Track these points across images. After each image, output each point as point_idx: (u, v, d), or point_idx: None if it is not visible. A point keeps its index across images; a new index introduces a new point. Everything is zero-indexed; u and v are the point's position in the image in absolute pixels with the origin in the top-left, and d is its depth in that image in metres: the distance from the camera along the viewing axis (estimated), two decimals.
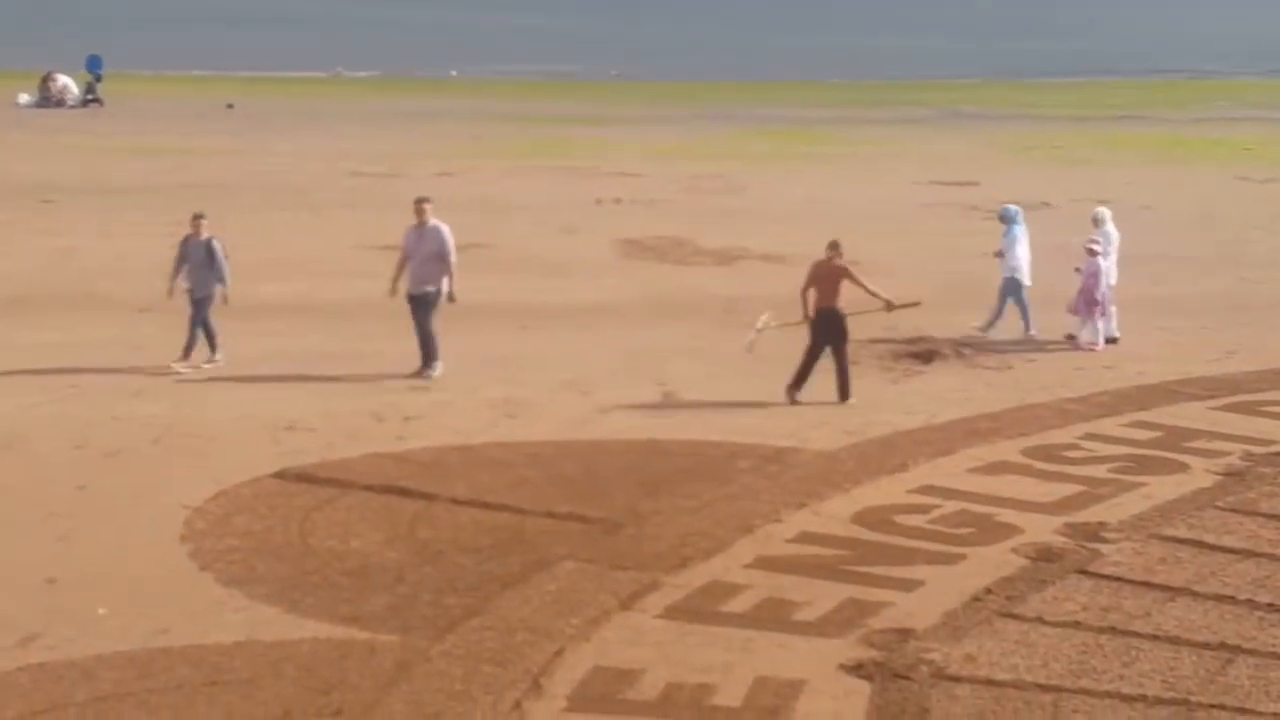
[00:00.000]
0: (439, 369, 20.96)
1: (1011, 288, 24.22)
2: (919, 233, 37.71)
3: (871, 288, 20.56)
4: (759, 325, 21.46)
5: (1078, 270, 23.93)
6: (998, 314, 24.23)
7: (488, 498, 15.60)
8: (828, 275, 20.30)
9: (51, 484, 16.14)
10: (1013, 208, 25.24)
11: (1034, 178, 51.84)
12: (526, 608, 12.64)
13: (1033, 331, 24.03)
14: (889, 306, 20.99)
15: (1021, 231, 24.60)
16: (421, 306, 21.04)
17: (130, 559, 13.90)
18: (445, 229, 21.16)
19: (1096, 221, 24.81)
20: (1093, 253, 23.72)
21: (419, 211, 21.20)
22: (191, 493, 15.62)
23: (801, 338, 20.29)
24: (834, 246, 20.42)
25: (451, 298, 21.13)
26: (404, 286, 21.32)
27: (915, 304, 22.00)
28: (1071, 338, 23.97)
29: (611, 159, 57.22)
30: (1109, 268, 24.01)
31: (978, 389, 20.81)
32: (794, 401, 20.04)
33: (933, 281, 29.89)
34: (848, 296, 20.44)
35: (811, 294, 20.43)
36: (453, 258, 21.11)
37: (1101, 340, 23.68)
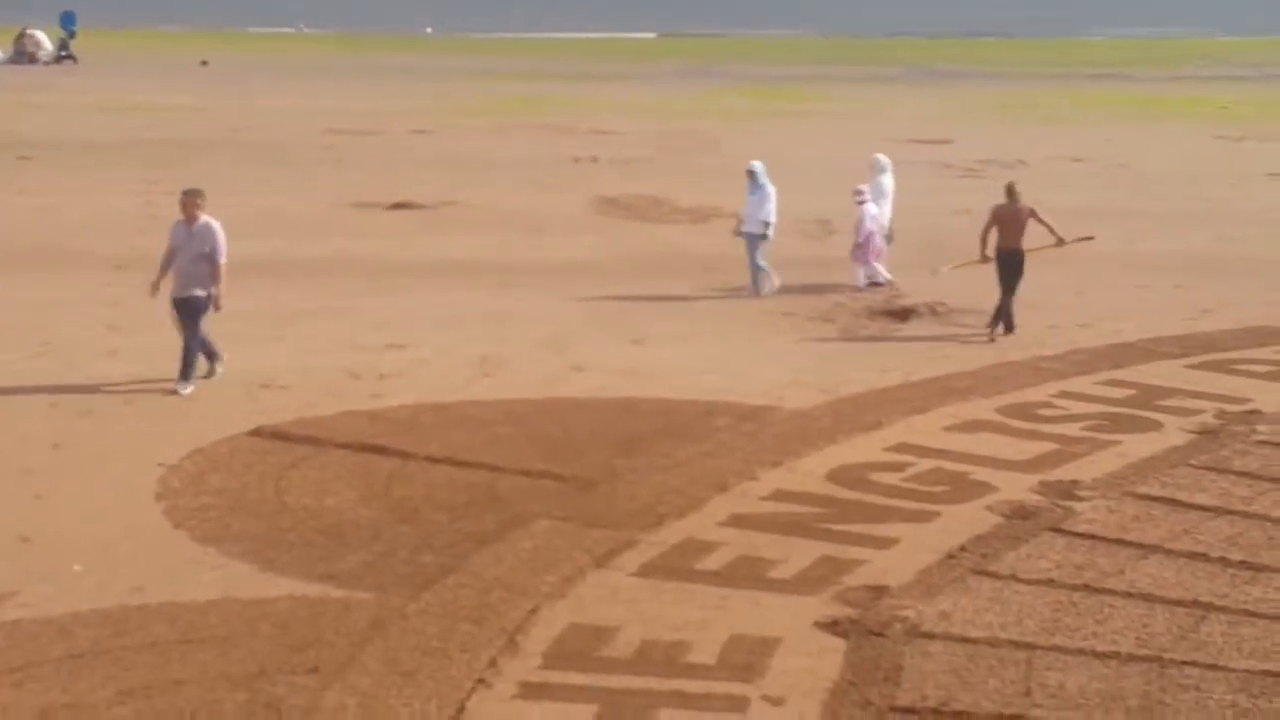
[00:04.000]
0: (191, 389, 18.09)
1: (754, 242, 24.36)
2: (896, 190, 37.65)
3: (1053, 224, 22.17)
4: (946, 269, 23.30)
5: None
6: (763, 270, 24.46)
7: (463, 456, 15.60)
8: (1014, 217, 21.82)
9: (26, 442, 16.10)
10: (759, 164, 25.05)
11: (1009, 136, 51.88)
12: (502, 565, 12.66)
13: (766, 288, 24.35)
14: (1060, 242, 22.43)
15: (770, 187, 24.57)
16: (188, 312, 18.23)
17: (105, 517, 13.88)
18: (217, 226, 18.29)
19: (874, 168, 25.95)
20: (860, 201, 24.94)
21: (188, 206, 18.29)
22: (167, 450, 15.60)
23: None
24: (1013, 191, 21.98)
25: (217, 305, 18.28)
26: (168, 288, 18.51)
27: (1090, 238, 23.39)
28: (876, 284, 24.98)
29: (588, 116, 57.12)
30: (879, 214, 25.35)
31: (953, 347, 20.85)
32: (993, 339, 21.40)
33: (909, 239, 29.93)
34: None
35: (993, 235, 21.91)
36: (222, 259, 18.19)
37: (864, 281, 24.96)
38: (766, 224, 24.28)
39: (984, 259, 22.14)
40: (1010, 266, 21.74)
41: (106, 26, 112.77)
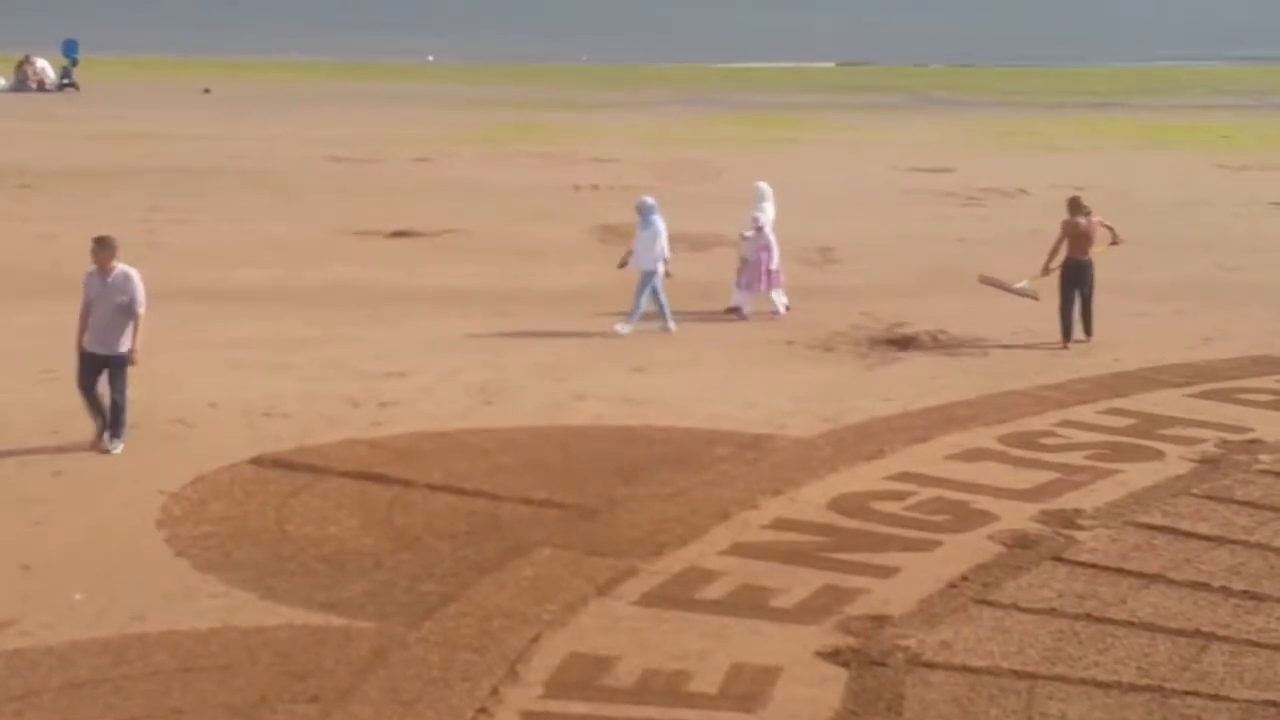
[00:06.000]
0: (121, 446, 16.95)
1: (649, 279, 23.72)
2: (897, 219, 37.77)
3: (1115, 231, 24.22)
4: (1019, 285, 24.12)
5: (744, 238, 25.28)
6: (653, 306, 23.78)
7: (464, 484, 15.58)
8: (1086, 232, 23.18)
9: (27, 469, 16.09)
10: (649, 199, 24.59)
11: (1010, 164, 51.94)
12: (503, 594, 12.64)
13: (622, 329, 23.53)
14: (1118, 241, 24.42)
15: (661, 223, 24.03)
16: (115, 369, 16.96)
17: (106, 545, 13.87)
18: (135, 274, 17.01)
19: (756, 196, 25.87)
20: (760, 228, 25.00)
21: (100, 256, 16.99)
22: (168, 478, 15.59)
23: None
24: (1081, 204, 23.35)
25: (132, 359, 17.02)
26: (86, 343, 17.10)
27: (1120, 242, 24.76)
28: (735, 309, 25.16)
29: (588, 144, 57.20)
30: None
31: (954, 376, 20.84)
32: (1067, 346, 22.80)
33: (911, 267, 30.01)
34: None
35: (1063, 249, 23.20)
36: (141, 310, 16.93)
37: (781, 308, 25.13)
38: (664, 261, 23.65)
39: (1046, 272, 23.33)
40: (1084, 276, 23.04)
41: (108, 54, 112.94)
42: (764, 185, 26.28)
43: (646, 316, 23.51)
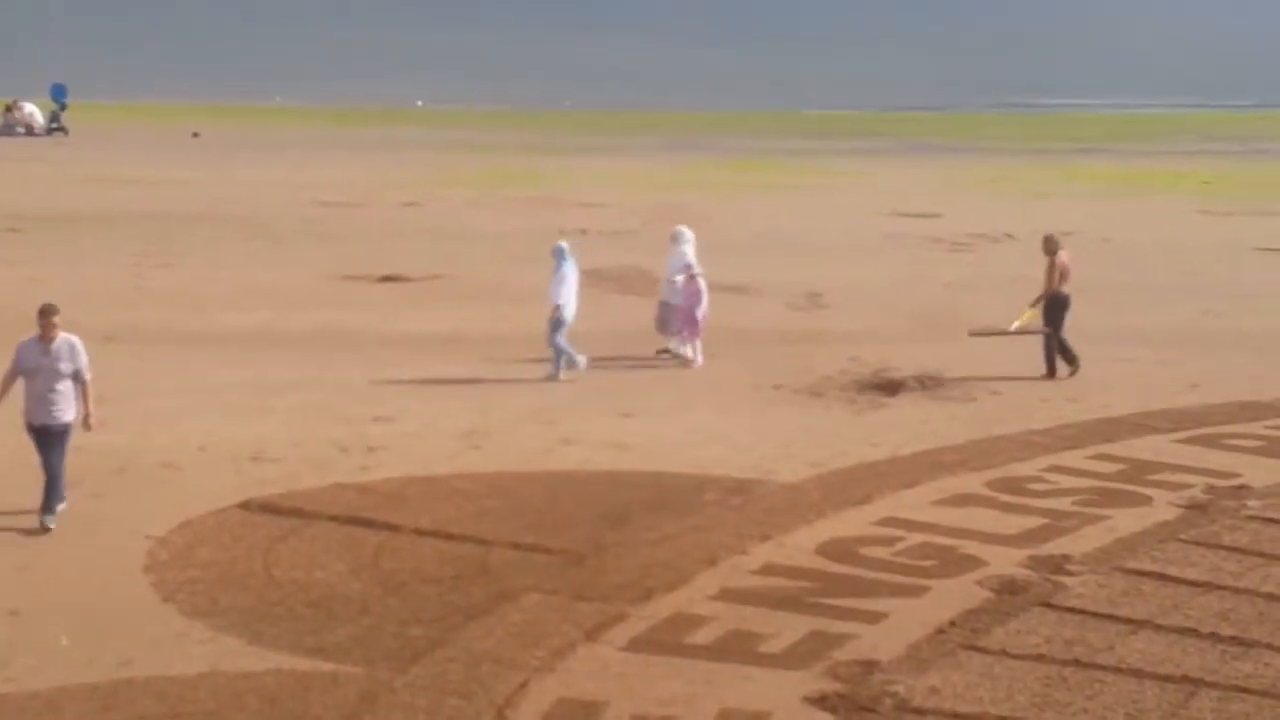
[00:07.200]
0: (63, 508, 16.12)
1: (555, 325, 23.60)
2: (885, 264, 37.84)
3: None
4: (1015, 326, 24.60)
5: (672, 283, 25.13)
6: (564, 353, 23.67)
7: (452, 528, 15.56)
8: (1068, 266, 24.22)
9: (14, 513, 16.03)
10: (563, 244, 24.44)
11: (997, 209, 52.09)
12: (491, 639, 12.61)
13: (562, 373, 23.52)
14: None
15: (570, 269, 23.90)
16: (56, 440, 16.17)
17: (93, 590, 13.83)
18: (79, 341, 16.33)
19: (677, 240, 25.58)
20: (693, 275, 24.88)
21: (47, 326, 16.15)
22: (155, 523, 15.56)
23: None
24: (1058, 243, 24.34)
25: (88, 424, 16.36)
26: (27, 415, 16.28)
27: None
28: (666, 351, 25.23)
29: (576, 189, 57.32)
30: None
31: (942, 421, 20.85)
32: (1053, 376, 23.76)
33: (899, 312, 30.04)
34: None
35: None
36: (88, 375, 16.31)
37: (700, 358, 24.78)
38: (555, 306, 23.52)
39: (1035, 306, 24.25)
40: (1065, 309, 23.97)
41: (97, 99, 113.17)
42: (685, 229, 25.98)
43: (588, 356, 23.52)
